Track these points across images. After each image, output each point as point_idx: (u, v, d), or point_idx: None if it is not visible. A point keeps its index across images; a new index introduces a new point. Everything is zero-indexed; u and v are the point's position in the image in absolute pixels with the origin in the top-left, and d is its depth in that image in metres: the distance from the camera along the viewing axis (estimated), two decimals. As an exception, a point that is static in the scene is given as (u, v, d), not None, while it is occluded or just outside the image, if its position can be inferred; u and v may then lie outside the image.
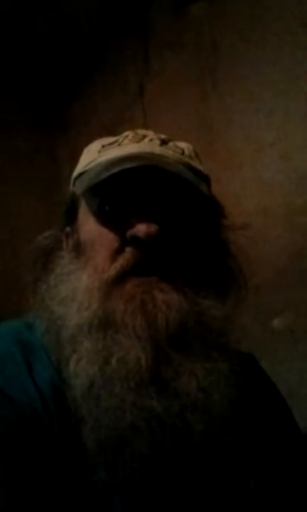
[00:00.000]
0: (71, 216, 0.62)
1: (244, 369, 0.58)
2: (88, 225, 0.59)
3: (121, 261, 0.56)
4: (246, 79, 1.38)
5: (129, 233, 0.56)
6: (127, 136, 0.62)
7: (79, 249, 0.60)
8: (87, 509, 0.52)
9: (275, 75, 1.32)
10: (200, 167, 0.62)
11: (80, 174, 0.63)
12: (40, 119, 1.97)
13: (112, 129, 1.59)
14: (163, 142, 0.62)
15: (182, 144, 0.63)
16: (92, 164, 0.61)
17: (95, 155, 0.62)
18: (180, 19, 1.56)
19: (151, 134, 0.63)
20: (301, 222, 1.26)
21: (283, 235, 1.27)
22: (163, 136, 0.63)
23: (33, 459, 0.51)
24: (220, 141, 1.37)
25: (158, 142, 0.61)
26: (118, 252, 0.56)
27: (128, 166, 0.55)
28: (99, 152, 0.62)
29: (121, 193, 0.57)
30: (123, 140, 0.62)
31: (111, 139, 0.63)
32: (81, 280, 0.57)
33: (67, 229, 0.63)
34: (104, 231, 0.58)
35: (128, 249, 0.56)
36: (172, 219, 0.57)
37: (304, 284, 1.25)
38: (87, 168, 0.61)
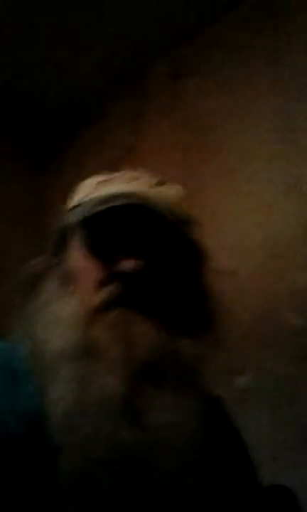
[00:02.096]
0: (61, 245, 0.64)
1: (212, 410, 0.59)
2: (77, 256, 0.62)
3: (105, 293, 0.58)
4: (229, 147, 1.50)
5: (115, 268, 0.58)
6: (122, 175, 0.66)
7: (66, 278, 0.62)
8: None
9: (255, 147, 1.44)
10: (186, 210, 0.65)
11: (74, 207, 0.65)
12: (35, 164, 2.03)
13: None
14: (155, 184, 0.64)
15: (173, 187, 0.66)
16: (86, 199, 0.63)
17: (90, 190, 0.65)
18: (173, 86, 1.69)
19: (144, 175, 0.66)
20: (268, 286, 1.33)
21: (250, 298, 1.33)
22: (155, 178, 0.65)
23: (10, 491, 0.51)
24: (204, 203, 1.46)
25: (150, 183, 0.64)
26: (103, 284, 0.59)
27: (118, 203, 0.58)
28: (94, 188, 0.64)
29: (111, 228, 0.60)
30: (117, 178, 0.65)
31: (106, 176, 0.66)
32: (66, 307, 0.59)
33: (56, 257, 0.65)
34: (92, 263, 0.60)
35: (112, 283, 0.58)
36: (156, 257, 0.60)
37: (267, 345, 1.30)
38: (80, 201, 0.64)
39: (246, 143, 1.46)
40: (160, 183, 0.66)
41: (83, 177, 0.69)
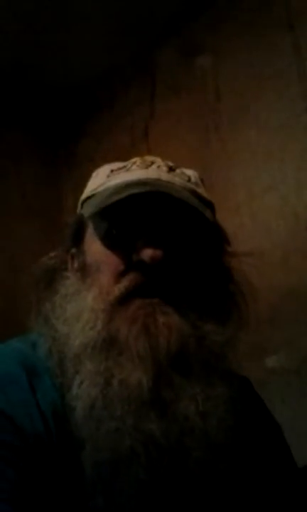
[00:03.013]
0: (77, 238, 0.64)
1: (242, 394, 0.59)
2: (94, 247, 0.61)
3: (125, 283, 0.57)
4: (247, 126, 1.46)
5: (135, 257, 0.57)
6: (135, 162, 0.63)
7: (84, 271, 0.61)
8: None
9: (273, 123, 1.40)
10: (205, 194, 0.63)
11: (88, 197, 0.64)
12: (47, 154, 2.03)
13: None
14: (170, 169, 0.62)
15: (189, 171, 0.64)
16: (101, 188, 0.62)
17: (104, 179, 0.63)
18: (186, 66, 1.65)
19: (158, 160, 0.64)
20: (296, 264, 1.30)
21: (277, 275, 1.31)
22: (170, 163, 0.64)
23: (35, 485, 0.51)
24: (220, 184, 1.43)
25: (165, 169, 0.62)
26: (123, 274, 0.58)
27: (136, 191, 0.56)
28: (108, 177, 0.63)
29: (128, 217, 0.59)
30: (131, 166, 0.63)
31: (119, 164, 0.64)
32: (86, 300, 0.58)
33: (73, 250, 0.64)
34: (110, 254, 0.59)
35: (132, 272, 0.57)
36: (176, 244, 0.58)
37: (296, 323, 1.28)
38: (95, 192, 0.63)
39: (267, 118, 1.42)
40: (175, 167, 0.64)
41: (96, 165, 0.68)
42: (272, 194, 1.36)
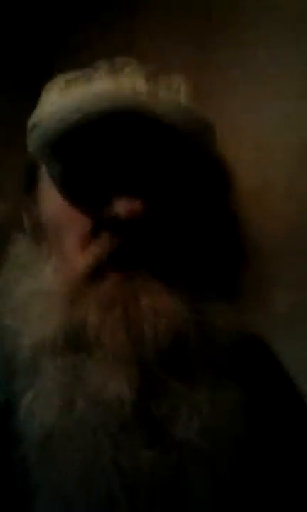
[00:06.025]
0: (29, 183, 0.49)
1: (255, 378, 0.47)
2: (50, 198, 0.46)
3: (95, 249, 0.43)
4: (254, 43, 1.29)
5: (106, 212, 0.43)
6: (101, 66, 0.46)
7: (39, 232, 0.46)
8: None
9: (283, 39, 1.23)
10: (200, 113, 0.47)
11: (35, 126, 0.47)
12: (23, 81, 1.90)
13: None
14: (151, 75, 0.46)
15: (178, 78, 0.47)
16: (51, 109, 0.46)
17: (55, 97, 0.47)
18: None
19: (133, 63, 0.46)
20: (303, 194, 1.21)
21: (283, 208, 1.22)
22: (150, 67, 0.46)
23: None
24: (216, 109, 1.31)
25: (143, 74, 0.45)
26: (91, 236, 0.44)
27: (93, 111, 0.40)
28: (61, 90, 0.46)
29: (90, 154, 0.43)
30: (94, 73, 0.46)
31: (78, 73, 0.47)
32: (41, 279, 0.43)
33: (26, 200, 0.49)
34: (72, 208, 0.44)
35: (104, 234, 0.43)
36: (162, 190, 0.44)
37: (305, 257, 1.21)
38: (41, 117, 0.47)
39: (271, 22, 1.24)
40: (157, 73, 0.46)
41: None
42: (277, 122, 1.22)
